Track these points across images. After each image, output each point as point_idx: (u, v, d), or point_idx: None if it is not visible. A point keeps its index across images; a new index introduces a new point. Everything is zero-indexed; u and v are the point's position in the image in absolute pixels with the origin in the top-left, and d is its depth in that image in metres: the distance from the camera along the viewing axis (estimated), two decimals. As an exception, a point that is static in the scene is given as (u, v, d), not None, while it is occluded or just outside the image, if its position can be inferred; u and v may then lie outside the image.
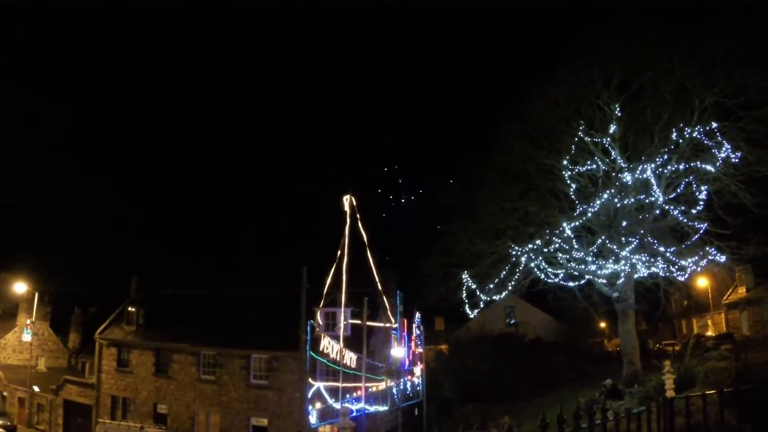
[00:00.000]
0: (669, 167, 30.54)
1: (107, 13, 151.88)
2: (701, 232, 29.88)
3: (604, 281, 32.26)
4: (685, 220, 30.19)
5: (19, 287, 49.24)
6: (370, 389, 31.72)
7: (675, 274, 30.88)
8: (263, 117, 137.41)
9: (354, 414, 28.20)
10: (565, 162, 31.96)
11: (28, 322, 50.96)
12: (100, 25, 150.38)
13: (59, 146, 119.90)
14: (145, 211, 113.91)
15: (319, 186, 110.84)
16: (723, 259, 29.80)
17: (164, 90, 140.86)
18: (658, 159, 30.39)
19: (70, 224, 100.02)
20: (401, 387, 35.25)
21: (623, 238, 30.58)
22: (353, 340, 32.06)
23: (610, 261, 31.12)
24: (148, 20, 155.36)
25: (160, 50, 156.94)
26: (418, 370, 38.33)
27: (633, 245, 30.13)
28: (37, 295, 50.88)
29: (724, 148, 28.90)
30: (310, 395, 28.81)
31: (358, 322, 30.70)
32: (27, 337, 50.67)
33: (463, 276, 33.36)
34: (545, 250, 31.94)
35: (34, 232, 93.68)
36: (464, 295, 33.70)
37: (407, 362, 36.18)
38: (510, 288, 33.48)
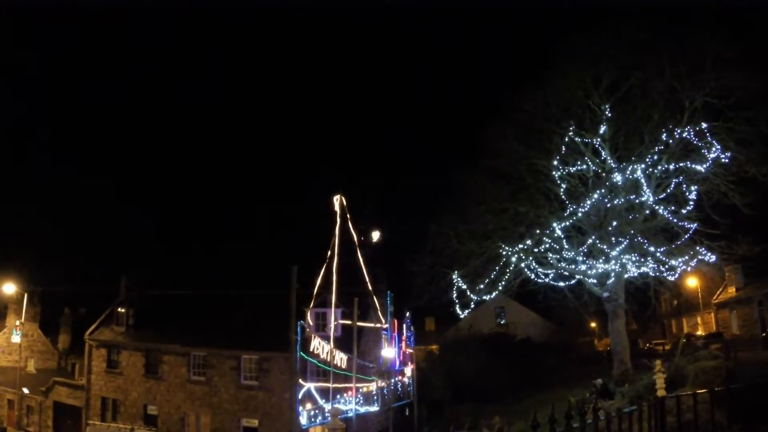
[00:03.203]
0: (659, 167, 30.64)
1: (101, 10, 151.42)
2: (691, 232, 30.00)
3: (595, 281, 32.34)
4: (675, 220, 30.29)
5: (8, 288, 48.80)
6: (360, 390, 31.69)
7: (665, 274, 31.01)
8: (253, 118, 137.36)
9: (345, 414, 28.16)
10: (555, 162, 32.01)
11: (18, 323, 50.57)
12: (94, 21, 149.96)
13: (49, 146, 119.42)
14: (134, 211, 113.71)
15: (310, 186, 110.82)
16: (713, 258, 29.94)
17: (149, 89, 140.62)
18: (648, 159, 30.48)
19: (60, 224, 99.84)
20: (392, 387, 35.28)
21: (613, 238, 30.65)
22: (344, 341, 32.00)
23: (601, 261, 31.20)
24: (140, 21, 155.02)
25: (154, 52, 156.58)
26: (408, 370, 38.36)
27: (623, 245, 30.21)
28: (26, 295, 50.52)
29: (713, 149, 29.03)
30: (300, 396, 28.78)
31: (349, 322, 30.68)
32: (16, 338, 50.26)
33: (454, 276, 33.35)
34: (535, 250, 32.01)
35: (23, 232, 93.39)
36: (455, 295, 33.70)
37: (398, 362, 36.21)
38: (500, 288, 33.54)
